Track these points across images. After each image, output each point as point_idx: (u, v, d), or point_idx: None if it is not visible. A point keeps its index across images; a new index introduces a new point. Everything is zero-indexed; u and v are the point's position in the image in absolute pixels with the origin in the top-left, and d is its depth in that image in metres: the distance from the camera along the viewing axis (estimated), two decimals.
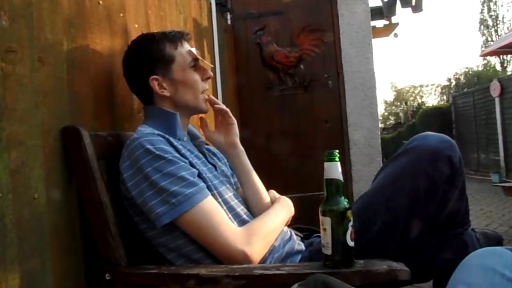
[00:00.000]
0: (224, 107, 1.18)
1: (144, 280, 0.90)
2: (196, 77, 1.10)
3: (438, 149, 1.01)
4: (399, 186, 1.02)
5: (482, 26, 16.32)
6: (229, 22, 3.02)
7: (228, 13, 3.00)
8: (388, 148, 7.71)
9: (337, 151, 0.83)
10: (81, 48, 1.04)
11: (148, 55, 1.08)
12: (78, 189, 0.95)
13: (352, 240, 0.80)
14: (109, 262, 0.92)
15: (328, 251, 0.80)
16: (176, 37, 1.10)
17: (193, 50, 1.12)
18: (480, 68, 15.02)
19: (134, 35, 1.33)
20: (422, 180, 1.00)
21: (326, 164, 0.83)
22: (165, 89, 1.08)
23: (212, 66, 1.29)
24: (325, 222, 0.80)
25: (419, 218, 1.02)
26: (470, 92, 9.41)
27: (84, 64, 1.05)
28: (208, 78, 1.14)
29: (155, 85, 1.08)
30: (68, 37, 0.98)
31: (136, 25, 1.36)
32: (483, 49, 14.64)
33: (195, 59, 1.11)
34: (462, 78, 15.83)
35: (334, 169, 0.82)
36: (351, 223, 0.80)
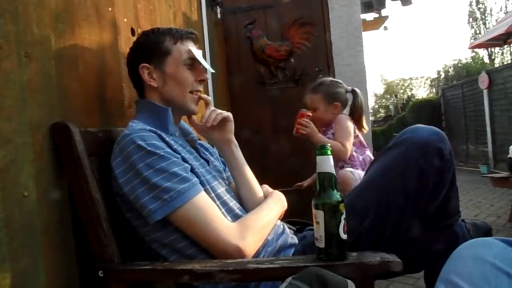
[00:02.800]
0: (224, 114, 1.14)
1: (137, 277, 0.90)
2: (188, 75, 1.10)
3: (428, 141, 1.02)
4: (391, 178, 1.03)
5: (470, 19, 16.44)
6: (219, 16, 2.99)
7: (218, 7, 2.97)
8: (378, 141, 7.76)
9: (329, 144, 0.84)
10: (69, 43, 1.03)
11: (146, 44, 1.10)
12: (69, 186, 0.94)
13: (345, 233, 0.80)
14: (102, 259, 0.91)
15: (321, 244, 0.80)
16: (178, 34, 1.10)
17: (197, 52, 1.11)
18: (469, 61, 15.14)
19: (123, 29, 1.31)
20: (413, 173, 1.01)
21: (318, 158, 0.83)
22: (154, 79, 1.08)
23: (214, 71, 1.28)
24: (318, 216, 0.80)
25: (411, 210, 1.03)
26: (459, 84, 9.49)
27: (73, 59, 1.04)
28: (202, 80, 1.13)
29: (144, 73, 1.08)
30: (55, 32, 0.96)
31: (125, 19, 1.34)
32: (471, 41, 14.76)
33: (192, 59, 1.10)
34: (451, 70, 15.95)
35: (326, 163, 0.82)
36: (343, 216, 0.80)
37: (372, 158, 1.89)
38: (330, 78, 2.08)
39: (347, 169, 1.76)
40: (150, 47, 1.09)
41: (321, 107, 1.92)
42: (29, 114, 0.85)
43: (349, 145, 1.81)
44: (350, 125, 1.87)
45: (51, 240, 0.88)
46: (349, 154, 1.81)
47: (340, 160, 1.81)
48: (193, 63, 1.11)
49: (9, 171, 0.77)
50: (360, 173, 1.72)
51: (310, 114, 1.84)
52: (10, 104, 0.79)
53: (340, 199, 0.81)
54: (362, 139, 1.93)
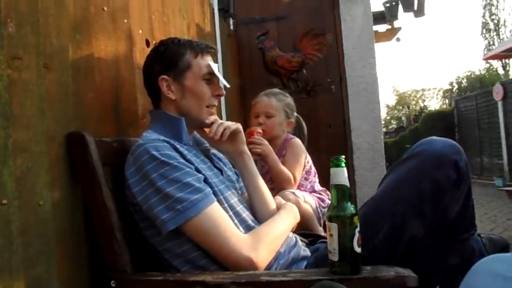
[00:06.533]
0: (232, 128, 1.14)
1: (150, 287, 0.89)
2: (206, 89, 1.10)
3: (444, 153, 1.01)
4: (405, 191, 1.01)
5: (484, 30, 16.31)
6: (231, 27, 3.02)
7: (231, 19, 3.00)
8: (390, 152, 7.69)
9: (343, 156, 0.83)
10: (86, 54, 1.05)
11: (166, 55, 1.10)
12: (83, 195, 0.95)
13: (359, 246, 0.79)
14: (115, 268, 0.91)
15: (334, 257, 0.79)
16: (199, 47, 1.11)
17: (214, 66, 1.12)
18: (483, 72, 14.97)
19: (138, 40, 1.33)
20: (428, 185, 0.99)
21: (332, 170, 0.82)
22: (172, 92, 1.09)
23: (229, 86, 1.27)
24: (332, 228, 0.80)
25: (425, 223, 1.01)
26: (472, 95, 9.39)
27: (89, 70, 1.05)
28: (219, 95, 1.14)
29: (163, 85, 1.09)
30: (73, 43, 0.98)
31: (140, 31, 1.36)
32: (485, 52, 14.63)
33: (211, 74, 1.11)
34: (464, 81, 15.79)
35: (341, 175, 0.82)
36: (358, 229, 0.79)
37: (318, 186, 1.77)
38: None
39: (290, 190, 1.60)
40: (171, 59, 1.09)
41: (277, 116, 1.69)
42: (46, 123, 0.86)
43: (298, 177, 1.67)
44: (303, 154, 1.71)
45: (65, 248, 0.88)
46: (296, 186, 1.66)
47: (285, 189, 1.60)
48: (211, 77, 1.12)
49: (25, 179, 0.78)
50: (304, 194, 1.61)
51: (261, 131, 1.61)
52: (28, 113, 0.81)
53: (354, 211, 0.80)
54: (311, 165, 1.78)
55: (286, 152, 1.71)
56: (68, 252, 0.90)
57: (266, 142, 1.60)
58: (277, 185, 1.62)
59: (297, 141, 1.74)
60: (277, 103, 1.72)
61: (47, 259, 0.83)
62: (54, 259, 0.85)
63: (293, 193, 1.56)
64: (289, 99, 1.79)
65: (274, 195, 1.40)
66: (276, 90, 1.84)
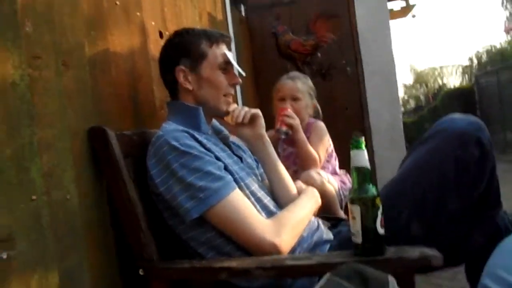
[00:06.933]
0: (253, 111, 1.16)
1: (177, 275, 0.92)
2: (222, 79, 1.11)
3: (466, 131, 0.99)
4: (428, 170, 1.00)
5: (505, 0, 15.68)
6: (243, 13, 3.00)
7: (242, 5, 2.98)
8: (409, 132, 7.55)
9: (363, 138, 0.82)
10: (102, 49, 1.06)
11: (182, 46, 1.10)
12: (107, 188, 0.98)
13: (382, 228, 0.79)
14: (142, 257, 0.93)
15: (358, 239, 0.79)
16: (214, 36, 1.11)
17: (230, 54, 1.12)
18: (504, 45, 14.43)
19: (151, 33, 1.34)
20: (451, 164, 0.98)
21: (352, 152, 0.82)
22: (189, 82, 1.10)
23: (244, 74, 1.27)
24: (354, 211, 0.79)
25: (450, 202, 1.00)
26: (494, 70, 9.11)
27: (105, 65, 1.07)
28: (235, 84, 1.14)
29: (180, 76, 1.09)
30: (88, 39, 0.99)
31: (153, 23, 1.37)
32: (506, 24, 14.12)
33: (227, 62, 1.11)
34: (484, 56, 15.27)
35: (361, 157, 0.81)
36: (380, 211, 0.79)
37: (337, 169, 1.78)
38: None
39: (315, 170, 1.59)
40: (186, 49, 1.09)
41: (304, 99, 1.71)
42: (68, 120, 0.88)
43: (323, 158, 1.68)
44: (327, 136, 1.73)
45: (93, 240, 0.91)
46: (320, 167, 1.66)
47: (309, 169, 1.60)
48: (226, 67, 1.12)
49: (52, 175, 0.81)
50: (328, 175, 1.61)
51: (291, 110, 1.62)
52: (50, 110, 0.83)
53: (376, 193, 0.80)
54: (333, 148, 1.79)
55: (310, 134, 1.72)
56: (96, 244, 0.92)
57: (298, 119, 1.60)
58: (303, 164, 1.64)
59: (321, 123, 1.76)
60: (302, 86, 1.73)
61: (77, 251, 0.85)
62: (84, 251, 0.87)
63: (318, 173, 1.58)
64: (310, 82, 1.80)
65: (298, 176, 1.42)
66: (297, 73, 1.85)
